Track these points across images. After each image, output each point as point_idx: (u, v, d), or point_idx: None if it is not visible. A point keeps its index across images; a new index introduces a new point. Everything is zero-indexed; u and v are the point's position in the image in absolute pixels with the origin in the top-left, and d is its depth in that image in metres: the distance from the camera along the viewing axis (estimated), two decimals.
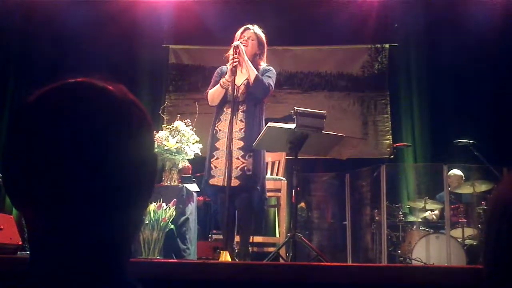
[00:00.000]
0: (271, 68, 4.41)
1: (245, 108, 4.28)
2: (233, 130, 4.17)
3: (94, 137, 0.81)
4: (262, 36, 4.41)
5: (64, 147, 0.80)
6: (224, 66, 4.44)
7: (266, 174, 4.89)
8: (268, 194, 5.04)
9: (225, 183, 4.07)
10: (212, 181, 4.21)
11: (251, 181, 4.17)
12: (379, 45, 7.87)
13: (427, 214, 6.30)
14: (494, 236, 0.89)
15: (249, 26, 4.41)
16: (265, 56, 4.44)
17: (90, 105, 0.83)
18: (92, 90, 0.85)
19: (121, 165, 0.82)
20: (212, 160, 4.26)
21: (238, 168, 4.15)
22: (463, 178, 6.38)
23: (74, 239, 0.80)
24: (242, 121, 4.25)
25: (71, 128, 0.80)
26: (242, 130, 4.23)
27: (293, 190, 4.09)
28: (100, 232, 0.82)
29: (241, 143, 4.20)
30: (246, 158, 4.19)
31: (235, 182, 4.11)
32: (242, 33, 4.38)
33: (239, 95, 4.29)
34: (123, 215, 0.83)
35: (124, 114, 0.85)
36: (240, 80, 4.32)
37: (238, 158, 4.16)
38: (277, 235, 5.73)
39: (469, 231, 5.77)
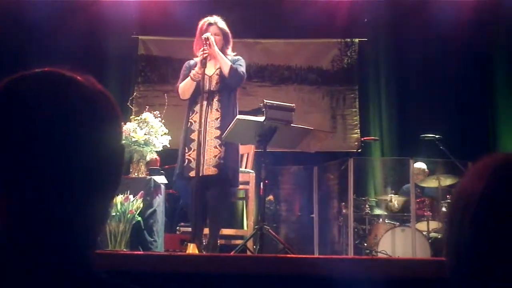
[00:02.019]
0: (240, 57, 4.44)
1: (219, 98, 4.29)
2: (209, 120, 4.19)
3: (60, 126, 0.80)
4: (226, 27, 4.40)
5: (30, 136, 0.79)
6: (192, 60, 4.44)
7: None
8: None
9: (199, 172, 4.07)
10: (192, 174, 4.16)
11: (227, 170, 4.18)
12: (348, 40, 7.90)
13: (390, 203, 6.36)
14: (456, 229, 0.91)
15: (211, 20, 4.37)
16: (231, 45, 4.43)
17: (58, 94, 0.82)
18: (60, 80, 0.85)
19: (88, 155, 0.81)
20: (189, 153, 4.23)
21: (217, 157, 4.16)
22: (426, 171, 6.47)
23: (38, 230, 0.80)
24: (218, 111, 4.26)
25: (38, 117, 0.79)
26: (218, 120, 4.24)
27: (261, 183, 4.10)
28: (65, 223, 0.81)
29: (218, 132, 4.20)
30: (223, 146, 4.20)
31: (212, 171, 4.14)
32: (206, 29, 4.36)
33: (213, 85, 4.30)
34: (88, 206, 0.83)
35: (92, 104, 0.84)
36: (211, 70, 4.32)
37: (216, 147, 4.18)
38: (245, 227, 5.74)
39: (434, 225, 5.86)
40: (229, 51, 4.41)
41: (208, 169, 4.15)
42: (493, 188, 0.88)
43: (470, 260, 0.89)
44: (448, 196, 5.86)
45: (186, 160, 4.23)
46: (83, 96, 0.84)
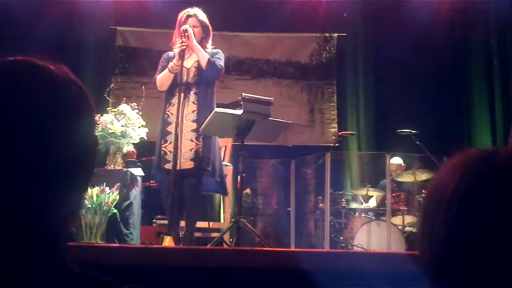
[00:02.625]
0: (219, 50, 4.42)
1: (196, 91, 4.28)
2: (185, 113, 4.17)
3: (31, 115, 0.78)
4: (206, 19, 4.37)
5: (0, 124, 0.77)
6: (171, 52, 4.41)
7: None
8: None
9: (176, 166, 4.05)
10: (167, 166, 4.17)
11: (205, 163, 4.17)
12: (327, 34, 7.91)
13: (369, 203, 6.42)
14: (430, 223, 0.92)
15: (190, 12, 4.34)
16: (210, 38, 4.41)
17: (29, 83, 0.81)
18: (32, 68, 0.83)
19: (59, 145, 0.80)
20: (165, 145, 4.23)
21: (193, 150, 4.16)
22: (402, 165, 6.53)
23: (5, 220, 0.78)
24: (195, 103, 4.25)
25: (8, 106, 0.78)
26: (195, 112, 4.23)
27: (239, 176, 4.10)
28: (34, 214, 0.80)
29: (194, 125, 4.19)
30: (200, 139, 4.19)
31: (189, 164, 4.13)
32: (185, 20, 4.33)
33: (190, 78, 4.27)
34: (59, 198, 0.81)
35: (64, 94, 0.83)
36: (189, 63, 4.30)
37: (192, 140, 4.17)
38: (222, 220, 5.74)
39: (409, 219, 5.92)
40: (208, 44, 4.39)
41: (185, 162, 4.14)
42: (467, 183, 0.89)
43: (442, 254, 0.89)
44: (423, 190, 5.92)
45: (162, 152, 4.22)
46: (55, 85, 0.83)
